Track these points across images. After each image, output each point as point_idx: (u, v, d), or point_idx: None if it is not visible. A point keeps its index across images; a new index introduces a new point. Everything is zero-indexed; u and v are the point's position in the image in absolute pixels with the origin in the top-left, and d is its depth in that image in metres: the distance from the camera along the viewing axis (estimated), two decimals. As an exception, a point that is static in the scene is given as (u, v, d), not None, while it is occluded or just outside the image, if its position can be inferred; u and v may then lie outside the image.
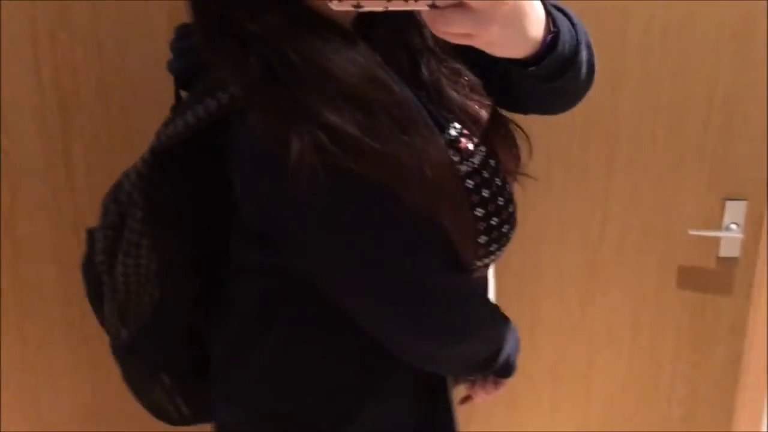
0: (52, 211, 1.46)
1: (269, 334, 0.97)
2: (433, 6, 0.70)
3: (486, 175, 0.88)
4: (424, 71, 0.91)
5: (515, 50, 0.79)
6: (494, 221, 0.89)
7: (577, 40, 0.87)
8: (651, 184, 1.53)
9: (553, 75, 0.85)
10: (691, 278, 1.58)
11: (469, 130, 0.89)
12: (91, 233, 1.09)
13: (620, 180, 1.53)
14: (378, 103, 0.80)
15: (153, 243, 0.97)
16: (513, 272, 1.57)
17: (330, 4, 0.70)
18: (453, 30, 0.71)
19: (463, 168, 0.86)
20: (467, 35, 0.72)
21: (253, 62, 0.80)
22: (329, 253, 0.86)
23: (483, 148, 0.89)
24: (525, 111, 1.04)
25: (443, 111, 0.89)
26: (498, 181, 0.89)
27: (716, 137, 1.49)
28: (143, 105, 1.40)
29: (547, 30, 0.81)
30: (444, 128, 0.87)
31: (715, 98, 1.47)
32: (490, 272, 1.08)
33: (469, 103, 0.93)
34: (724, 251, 1.55)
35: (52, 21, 1.35)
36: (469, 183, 0.86)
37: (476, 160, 0.88)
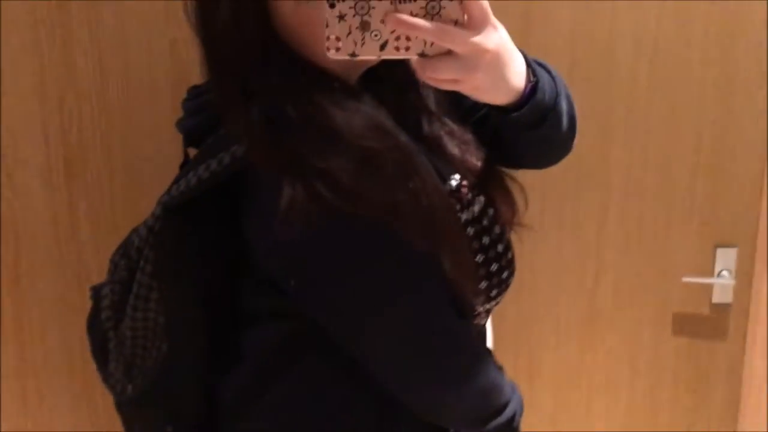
0: (56, 265, 1.48)
1: (281, 382, 0.98)
2: (422, 54, 0.77)
3: (485, 223, 0.93)
4: (426, 127, 0.96)
5: (498, 96, 0.85)
6: (494, 267, 0.93)
7: (557, 91, 0.92)
8: (643, 233, 1.56)
9: (535, 122, 0.90)
10: (687, 325, 1.60)
11: (468, 182, 0.93)
12: (96, 290, 1.11)
13: (613, 229, 1.56)
14: (379, 150, 0.84)
15: (161, 296, 0.99)
16: (510, 322, 1.59)
17: (327, 53, 0.77)
18: (441, 76, 0.77)
19: (464, 216, 0.91)
20: (454, 81, 0.78)
21: (255, 116, 0.86)
22: (327, 294, 0.89)
23: (482, 198, 0.93)
24: (516, 165, 1.08)
25: (444, 163, 0.93)
26: (497, 229, 0.94)
27: (705, 186, 1.53)
28: (147, 163, 1.44)
29: (528, 80, 0.87)
30: (445, 179, 0.91)
31: (703, 147, 1.51)
32: (489, 324, 1.10)
33: (467, 157, 0.97)
34: (717, 297, 1.57)
35: (60, 81, 1.40)
36: (470, 230, 0.91)
37: (476, 208, 0.92)
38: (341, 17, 0.75)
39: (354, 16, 0.76)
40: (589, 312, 1.60)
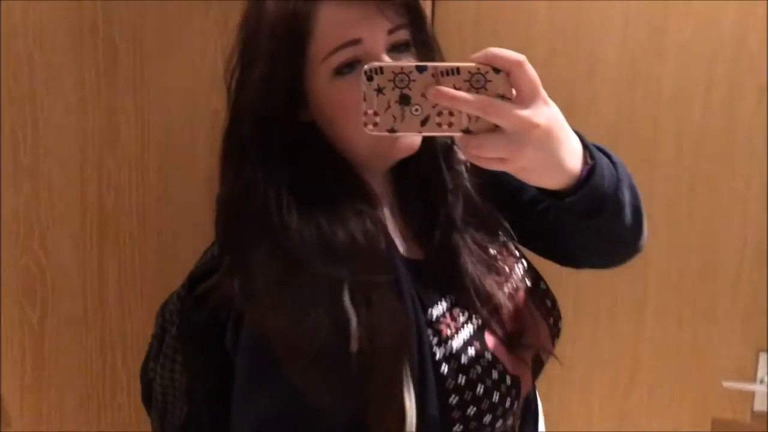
0: (79, 327, 1.47)
1: None
2: (466, 131, 0.72)
3: (464, 361, 0.85)
4: (442, 237, 0.92)
5: (551, 178, 0.78)
6: (471, 411, 0.84)
7: (618, 177, 0.84)
8: (682, 333, 1.50)
9: (592, 210, 0.82)
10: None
11: (468, 307, 0.88)
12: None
13: (651, 327, 1.51)
14: (314, 273, 0.79)
15: (183, 360, 0.99)
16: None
17: (365, 129, 0.72)
18: (486, 154, 0.72)
19: (439, 352, 0.85)
20: (500, 160, 0.72)
21: (234, 187, 0.86)
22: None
23: (470, 329, 0.88)
24: (573, 262, 1.02)
25: (452, 280, 0.89)
26: (482, 365, 0.86)
27: (748, 289, 1.48)
28: (180, 231, 1.44)
29: (584, 162, 0.80)
30: (426, 307, 0.86)
31: (746, 250, 1.47)
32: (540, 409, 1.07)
33: (487, 277, 0.91)
34: (759, 405, 1.50)
35: (101, 145, 1.41)
36: (444, 369, 0.84)
37: (455, 344, 0.86)
38: (379, 90, 0.71)
39: (393, 89, 0.71)
40: (623, 412, 1.53)
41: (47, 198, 1.42)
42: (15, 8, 1.35)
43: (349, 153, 0.89)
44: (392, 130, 0.72)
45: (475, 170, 0.98)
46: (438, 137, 0.92)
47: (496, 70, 0.71)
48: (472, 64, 0.71)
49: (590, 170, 0.80)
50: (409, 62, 0.74)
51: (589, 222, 0.84)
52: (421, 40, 0.89)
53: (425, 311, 0.86)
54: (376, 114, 0.71)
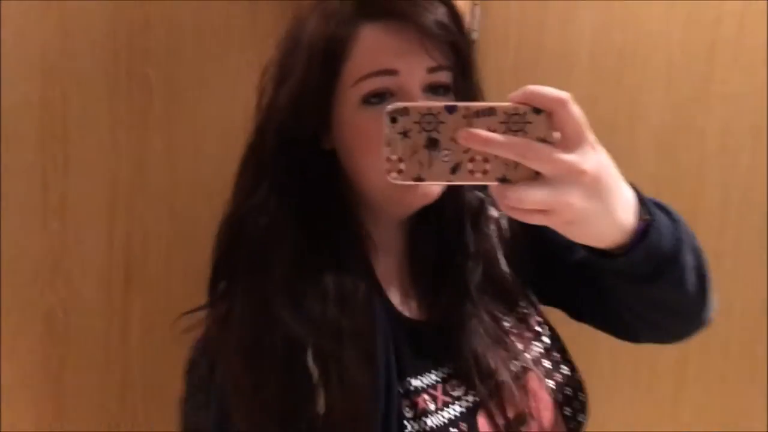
0: (100, 370, 1.44)
1: None
2: (503, 179, 0.64)
3: None
4: (445, 301, 0.87)
5: (600, 234, 0.68)
6: None
7: (679, 237, 0.74)
8: (724, 397, 1.45)
9: (649, 274, 0.73)
10: (769, 502, 1.45)
11: (466, 381, 0.83)
12: None
13: (692, 389, 1.45)
14: (281, 322, 0.77)
15: (207, 403, 0.95)
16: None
17: (388, 177, 0.65)
18: (527, 206, 0.63)
19: (410, 426, 0.78)
20: (543, 212, 0.63)
21: (243, 209, 0.86)
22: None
23: (461, 407, 0.82)
24: (634, 335, 0.92)
25: (452, 349, 0.84)
26: None
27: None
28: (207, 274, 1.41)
29: (639, 217, 0.70)
30: (406, 375, 0.80)
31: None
32: None
33: (492, 350, 0.85)
34: (806, 476, 1.43)
35: (131, 186, 1.39)
36: None
37: (433, 421, 0.80)
38: (405, 134, 0.63)
39: (420, 132, 0.63)
40: (661, 478, 1.47)
41: (74, 238, 1.40)
42: (54, 44, 1.34)
43: (365, 192, 0.85)
44: (419, 179, 0.64)
45: (515, 226, 0.92)
46: (469, 189, 0.87)
47: (537, 111, 0.62)
48: (509, 104, 0.63)
49: (646, 227, 0.71)
50: (437, 102, 0.66)
51: (646, 288, 0.76)
52: (463, 87, 0.84)
53: (403, 380, 0.80)
54: (400, 160, 0.64)
